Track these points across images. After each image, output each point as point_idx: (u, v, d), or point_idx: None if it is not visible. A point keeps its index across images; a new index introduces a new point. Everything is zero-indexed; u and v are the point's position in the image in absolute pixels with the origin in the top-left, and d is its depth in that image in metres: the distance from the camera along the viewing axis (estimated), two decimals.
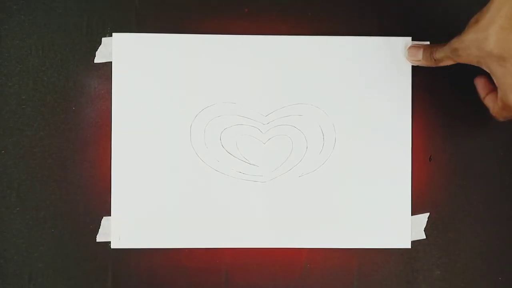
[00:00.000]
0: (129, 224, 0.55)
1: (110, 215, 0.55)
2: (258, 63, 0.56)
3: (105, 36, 0.55)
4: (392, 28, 0.57)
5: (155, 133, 0.55)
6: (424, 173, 0.56)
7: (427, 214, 0.56)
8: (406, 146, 0.56)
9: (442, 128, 0.57)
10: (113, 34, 0.55)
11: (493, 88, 0.49)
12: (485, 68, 0.46)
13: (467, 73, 0.57)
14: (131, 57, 0.55)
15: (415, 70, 0.56)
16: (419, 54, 0.54)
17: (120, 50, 0.55)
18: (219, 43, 0.56)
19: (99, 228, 0.55)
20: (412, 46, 0.55)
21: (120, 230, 0.55)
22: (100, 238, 0.55)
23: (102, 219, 0.55)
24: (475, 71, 0.57)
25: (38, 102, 0.55)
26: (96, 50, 0.55)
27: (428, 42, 0.56)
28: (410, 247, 0.56)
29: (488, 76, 0.49)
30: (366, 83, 0.56)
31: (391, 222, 0.56)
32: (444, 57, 0.50)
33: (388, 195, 0.56)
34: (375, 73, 0.56)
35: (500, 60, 0.44)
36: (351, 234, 0.56)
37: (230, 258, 0.56)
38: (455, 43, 0.47)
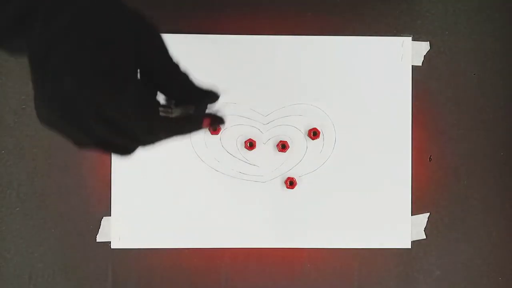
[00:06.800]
0: (129, 224, 0.55)
1: (110, 215, 0.55)
2: (258, 63, 0.56)
3: None
4: (392, 28, 0.57)
5: None
6: (424, 173, 0.56)
7: (427, 214, 0.56)
8: (406, 146, 0.56)
9: (442, 128, 0.57)
10: None
11: None
12: None
13: (467, 73, 0.57)
14: None
15: (415, 70, 0.56)
16: None
17: None
18: (219, 43, 0.56)
19: (99, 228, 0.55)
20: None
21: (120, 230, 0.55)
22: (100, 238, 0.55)
23: (102, 219, 0.55)
24: (475, 71, 0.57)
25: None
26: None
27: (428, 42, 0.56)
28: (410, 247, 0.56)
29: None
30: (366, 83, 0.56)
31: (391, 222, 0.56)
32: None
33: (388, 195, 0.56)
34: (375, 73, 0.56)
35: None
36: (351, 234, 0.56)
37: (230, 258, 0.56)
38: None
